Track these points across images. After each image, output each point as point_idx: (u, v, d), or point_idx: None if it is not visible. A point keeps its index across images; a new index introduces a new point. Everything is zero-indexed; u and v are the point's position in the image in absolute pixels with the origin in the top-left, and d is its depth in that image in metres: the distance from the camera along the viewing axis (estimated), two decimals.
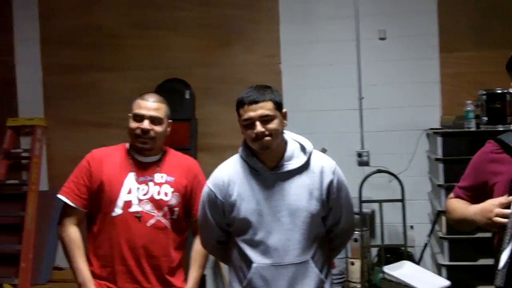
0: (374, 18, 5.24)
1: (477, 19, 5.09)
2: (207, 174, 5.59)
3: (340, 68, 5.29)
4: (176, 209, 2.81)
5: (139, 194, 2.74)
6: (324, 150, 4.64)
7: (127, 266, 2.71)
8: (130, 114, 2.80)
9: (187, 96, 5.50)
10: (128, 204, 2.72)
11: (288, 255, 2.44)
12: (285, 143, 2.53)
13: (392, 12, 5.22)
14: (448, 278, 4.05)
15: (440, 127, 4.87)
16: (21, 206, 5.53)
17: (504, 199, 2.09)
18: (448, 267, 4.26)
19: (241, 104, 2.46)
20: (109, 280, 2.73)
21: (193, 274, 2.89)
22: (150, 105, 2.77)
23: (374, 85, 5.23)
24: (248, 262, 2.48)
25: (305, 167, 2.51)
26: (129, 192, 2.73)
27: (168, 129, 2.88)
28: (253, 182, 2.50)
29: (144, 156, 2.82)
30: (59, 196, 2.76)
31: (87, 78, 5.72)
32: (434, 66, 5.15)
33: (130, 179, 2.76)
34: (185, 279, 2.90)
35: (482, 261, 4.20)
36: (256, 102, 2.41)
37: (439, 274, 4.24)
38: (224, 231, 2.61)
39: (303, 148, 2.54)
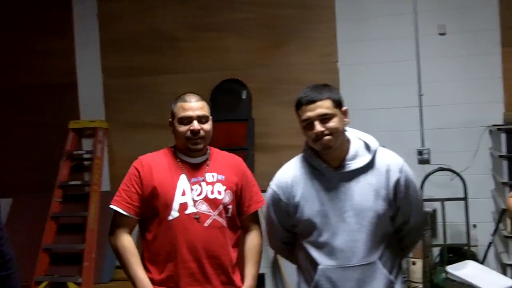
0: (433, 13, 5.17)
1: None
2: (263, 174, 5.61)
3: (399, 65, 5.24)
4: (230, 206, 2.81)
5: (193, 195, 2.73)
6: None
7: (189, 268, 2.70)
8: (170, 119, 2.83)
9: (244, 96, 5.54)
10: (184, 206, 2.71)
11: (355, 256, 2.40)
12: (348, 141, 2.49)
13: (452, 6, 5.14)
14: None
15: (504, 124, 4.76)
16: (84, 206, 5.66)
17: None
18: None
19: (299, 105, 2.45)
20: (170, 285, 2.72)
21: (251, 271, 2.87)
22: (194, 105, 2.77)
23: (434, 82, 5.16)
24: (314, 264, 2.46)
25: (370, 165, 2.46)
26: (183, 194, 2.72)
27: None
28: (316, 182, 2.48)
29: (192, 157, 2.81)
30: (111, 206, 2.75)
31: (147, 81, 5.82)
32: (496, 61, 5.04)
33: (183, 181, 2.75)
34: (241, 277, 2.89)
35: None
36: (313, 101, 2.39)
37: (504, 273, 4.16)
38: (290, 232, 2.61)
39: (367, 146, 2.50)
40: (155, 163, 2.79)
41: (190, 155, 2.81)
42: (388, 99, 5.23)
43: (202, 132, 2.75)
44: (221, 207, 2.76)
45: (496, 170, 4.71)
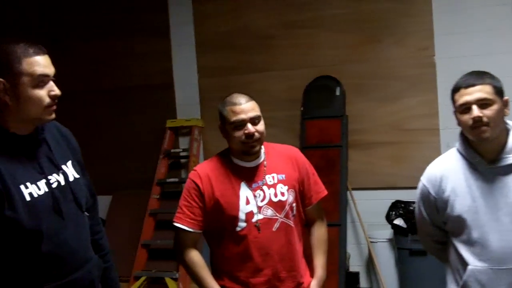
0: None
1: None
2: (357, 171, 5.57)
3: (500, 57, 5.04)
4: (295, 204, 2.77)
5: (257, 202, 2.68)
6: None
7: (264, 276, 2.67)
8: (220, 124, 2.76)
9: (338, 93, 5.52)
10: (250, 215, 2.66)
11: (509, 258, 2.27)
12: (507, 133, 2.35)
13: None
14: None
15: None
16: None
17: None
18: None
19: (456, 89, 2.35)
20: None
21: (320, 261, 2.86)
22: (245, 107, 2.68)
23: None
24: (464, 263, 2.36)
25: None
26: (247, 202, 2.67)
27: None
28: (469, 176, 2.35)
29: (248, 162, 2.74)
30: (175, 224, 2.70)
31: (240, 79, 5.91)
32: None
33: (244, 189, 2.70)
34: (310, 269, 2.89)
35: None
36: (473, 85, 2.28)
37: None
38: (441, 230, 2.52)
39: None
40: (213, 173, 2.73)
41: (246, 159, 2.74)
42: None
43: (257, 134, 2.65)
44: (287, 208, 2.73)
45: None
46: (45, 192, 2.11)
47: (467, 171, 2.36)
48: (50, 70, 2.10)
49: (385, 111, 5.43)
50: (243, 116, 2.66)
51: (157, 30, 6.24)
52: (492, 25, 5.10)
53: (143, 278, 5.71)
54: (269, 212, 2.68)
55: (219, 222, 2.69)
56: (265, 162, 2.78)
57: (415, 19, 5.34)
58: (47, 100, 2.09)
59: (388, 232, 5.17)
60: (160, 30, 6.22)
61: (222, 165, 2.76)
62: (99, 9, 6.47)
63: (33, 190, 2.07)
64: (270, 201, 2.70)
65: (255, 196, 2.69)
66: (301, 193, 2.84)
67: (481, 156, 2.32)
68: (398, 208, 5.01)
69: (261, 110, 2.77)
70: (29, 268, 2.06)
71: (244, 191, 2.69)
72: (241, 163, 2.75)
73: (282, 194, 2.72)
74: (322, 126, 5.47)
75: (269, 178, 2.74)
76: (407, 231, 4.84)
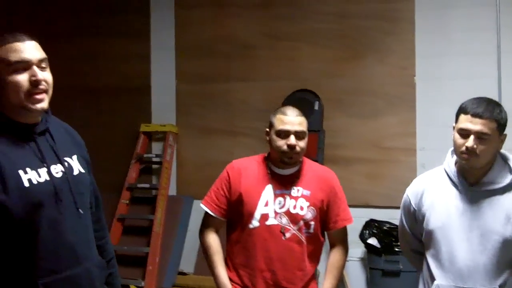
0: None
1: None
2: None
3: (478, 82, 5.15)
4: (312, 223, 2.90)
5: (275, 207, 2.85)
6: None
7: (264, 278, 2.84)
8: (267, 129, 2.93)
9: (316, 107, 5.58)
10: (265, 216, 2.84)
11: (473, 278, 2.39)
12: (493, 161, 2.48)
13: None
14: None
15: None
16: (151, 209, 5.84)
17: None
18: None
19: (464, 111, 2.43)
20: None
21: (326, 284, 2.95)
22: (294, 119, 2.85)
23: None
24: (432, 278, 2.50)
25: (508, 189, 2.44)
26: (266, 204, 2.86)
27: None
28: (448, 194, 2.49)
29: (282, 169, 2.92)
30: (201, 205, 3.01)
31: (219, 88, 5.94)
32: None
33: (268, 191, 2.88)
34: None
35: None
36: (480, 117, 2.36)
37: None
38: (419, 240, 2.66)
39: (510, 170, 2.47)
40: (245, 169, 2.96)
41: (281, 166, 2.92)
42: None
43: (297, 148, 2.83)
44: (301, 222, 2.87)
45: None
46: (46, 181, 2.07)
47: (447, 189, 2.49)
48: (31, 55, 2.08)
49: (363, 128, 5.51)
50: (289, 127, 2.84)
51: (138, 33, 6.26)
52: (473, 49, 5.20)
53: None
54: (284, 220, 2.85)
55: (238, 215, 2.91)
56: (298, 174, 2.95)
57: (397, 38, 5.44)
58: (26, 85, 2.05)
59: (360, 250, 5.22)
60: (141, 33, 6.23)
61: (258, 164, 2.99)
62: (82, 9, 6.45)
63: (33, 176, 2.04)
64: (288, 211, 2.86)
65: (275, 201, 2.86)
66: (324, 215, 2.96)
67: (464, 178, 2.45)
68: (372, 227, 5.03)
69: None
70: (22, 260, 2.01)
71: (267, 194, 2.88)
72: (274, 169, 2.95)
73: (301, 208, 2.87)
74: None
75: (294, 190, 2.90)
76: (381, 251, 4.87)
